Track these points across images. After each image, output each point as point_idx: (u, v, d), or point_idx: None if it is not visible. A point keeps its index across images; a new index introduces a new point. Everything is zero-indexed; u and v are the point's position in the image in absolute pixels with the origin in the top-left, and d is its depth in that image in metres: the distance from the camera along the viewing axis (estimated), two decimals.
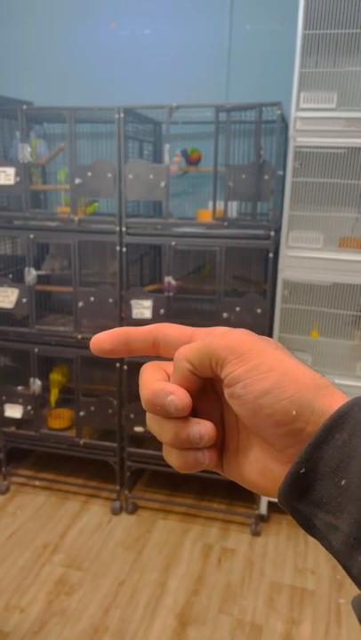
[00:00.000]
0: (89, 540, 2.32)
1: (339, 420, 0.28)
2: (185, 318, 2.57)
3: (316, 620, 1.93)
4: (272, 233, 2.10)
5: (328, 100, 1.99)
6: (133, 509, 2.53)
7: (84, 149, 2.49)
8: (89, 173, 2.20)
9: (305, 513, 0.30)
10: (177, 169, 2.30)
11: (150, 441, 2.55)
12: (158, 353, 0.37)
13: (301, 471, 0.29)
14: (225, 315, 2.21)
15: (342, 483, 0.28)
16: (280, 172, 2.13)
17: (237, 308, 2.19)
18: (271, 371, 0.30)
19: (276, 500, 0.31)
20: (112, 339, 0.36)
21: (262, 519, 2.44)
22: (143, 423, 2.40)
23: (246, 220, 2.20)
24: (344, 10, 1.97)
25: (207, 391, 0.35)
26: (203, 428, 0.32)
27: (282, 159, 2.14)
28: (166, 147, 2.14)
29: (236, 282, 2.46)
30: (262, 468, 0.33)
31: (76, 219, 2.28)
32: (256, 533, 2.38)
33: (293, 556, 2.26)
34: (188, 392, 0.33)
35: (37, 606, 1.96)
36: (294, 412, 0.29)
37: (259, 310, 2.17)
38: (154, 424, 0.34)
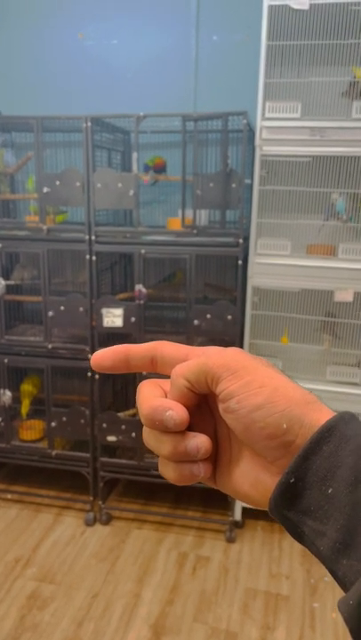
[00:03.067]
0: (62, 553, 2.29)
1: (326, 433, 0.30)
2: (156, 326, 2.57)
3: (290, 624, 1.94)
4: (241, 240, 2.13)
5: (293, 110, 2.03)
6: (107, 520, 2.50)
7: (55, 158, 2.48)
8: (57, 182, 2.20)
9: (294, 521, 0.31)
10: (149, 178, 2.31)
11: (123, 450, 2.53)
12: (156, 370, 0.38)
13: (291, 481, 0.31)
14: (196, 322, 2.21)
15: (329, 491, 0.30)
16: (247, 181, 2.16)
17: (208, 315, 2.20)
18: (263, 387, 0.32)
19: (266, 509, 0.33)
20: (112, 356, 0.38)
21: (237, 525, 2.44)
22: (116, 432, 2.38)
23: (215, 227, 2.22)
24: (307, 22, 2.02)
25: (201, 406, 0.37)
26: (199, 441, 0.34)
27: (249, 168, 2.17)
28: (134, 155, 2.15)
29: (207, 289, 2.48)
30: (254, 480, 0.35)
31: (44, 228, 2.26)
32: (231, 540, 2.38)
33: (268, 561, 2.27)
34: (185, 407, 0.34)
35: (9, 622, 1.92)
36: (285, 426, 0.31)
37: (229, 317, 2.19)
38: (151, 439, 0.36)
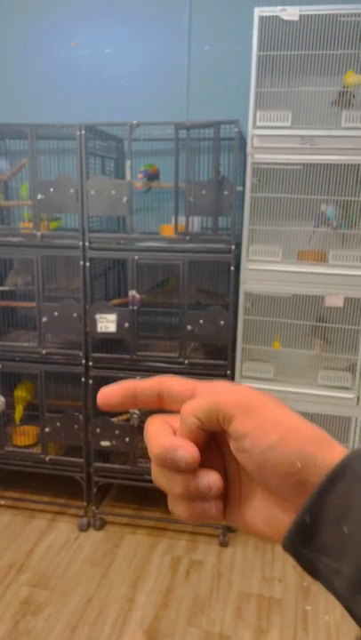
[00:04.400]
0: (56, 558, 2.29)
1: (340, 472, 0.31)
2: (150, 331, 2.59)
3: (283, 627, 1.95)
4: (233, 247, 2.15)
5: (283, 119, 2.06)
6: (101, 525, 2.51)
7: (49, 165, 2.50)
8: (51, 189, 2.22)
9: (309, 558, 0.31)
10: (142, 185, 2.34)
11: (117, 455, 2.54)
12: (162, 406, 0.38)
13: (306, 519, 0.31)
14: (189, 327, 2.24)
15: (345, 530, 0.30)
16: (239, 188, 2.19)
17: (201, 321, 2.23)
18: (276, 426, 0.32)
19: (279, 544, 0.33)
20: (120, 393, 0.37)
21: (230, 529, 2.45)
22: (109, 437, 2.39)
23: (208, 234, 2.24)
24: (297, 33, 2.05)
25: (210, 443, 0.37)
26: (211, 479, 0.34)
27: (241, 175, 2.20)
28: (128, 163, 2.18)
29: (200, 295, 2.50)
30: (267, 517, 0.34)
31: (38, 234, 2.28)
32: (224, 544, 2.39)
33: (261, 565, 2.28)
34: (196, 445, 0.34)
35: (3, 628, 1.92)
36: (299, 465, 0.31)
37: (222, 322, 2.21)
38: (162, 477, 0.35)
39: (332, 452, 0.32)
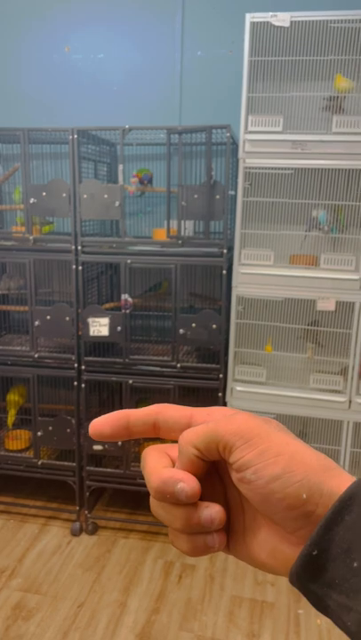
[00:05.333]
0: (48, 563, 2.28)
1: (348, 502, 0.29)
2: (142, 335, 2.59)
3: (275, 631, 1.95)
4: (225, 251, 2.16)
5: (275, 124, 2.07)
6: (94, 530, 2.50)
7: (42, 170, 2.51)
8: (44, 193, 2.22)
9: (318, 594, 0.30)
10: (134, 189, 2.35)
11: (109, 459, 2.54)
12: (158, 435, 0.37)
13: (314, 553, 0.30)
14: (181, 331, 2.24)
15: (354, 564, 0.28)
16: (231, 192, 2.20)
17: (193, 324, 2.23)
18: (280, 455, 0.31)
19: (286, 578, 0.32)
20: (112, 423, 0.36)
21: None
22: (102, 441, 2.39)
23: (200, 238, 2.25)
24: (288, 38, 2.07)
25: (210, 472, 0.35)
26: (213, 511, 0.33)
27: (233, 179, 2.21)
28: (120, 167, 2.18)
29: (193, 298, 2.51)
30: (272, 549, 0.33)
31: (31, 238, 2.28)
32: None
33: (253, 569, 2.28)
34: (195, 476, 0.33)
35: None
36: (305, 496, 0.30)
37: (214, 326, 2.22)
38: (161, 511, 0.34)
39: (339, 481, 0.31)
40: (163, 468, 0.34)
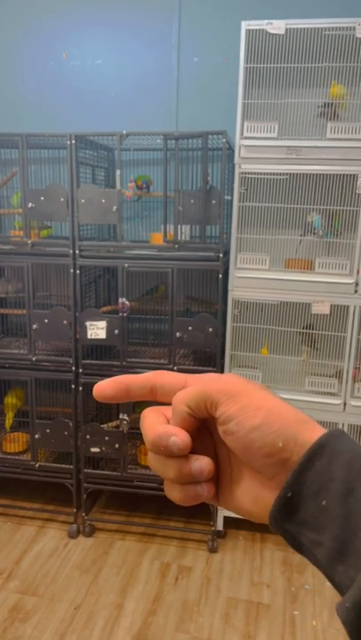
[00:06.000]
0: (45, 565, 2.29)
1: (318, 450, 0.33)
2: (139, 338, 2.61)
3: (271, 632, 1.97)
4: (221, 255, 2.19)
5: (270, 130, 2.10)
6: (91, 532, 2.51)
7: (40, 174, 2.53)
8: (42, 198, 2.24)
9: (293, 532, 0.33)
10: (132, 194, 2.37)
11: (107, 461, 2.55)
12: (155, 398, 0.40)
13: (288, 495, 0.33)
14: (178, 334, 2.26)
15: (323, 503, 0.32)
16: (227, 197, 2.22)
17: (190, 328, 2.25)
18: (259, 409, 0.35)
19: (267, 523, 0.35)
20: (114, 386, 0.40)
21: (219, 535, 2.47)
22: (99, 444, 2.40)
23: (196, 242, 2.28)
24: (283, 46, 2.10)
25: (201, 430, 0.39)
26: (203, 463, 0.36)
27: (229, 184, 2.24)
28: (117, 172, 2.21)
29: (189, 302, 2.53)
30: (255, 496, 0.37)
31: (29, 242, 2.30)
32: (213, 550, 2.40)
33: (249, 570, 2.29)
34: (187, 432, 0.37)
35: None
36: (281, 444, 0.34)
37: (210, 329, 2.24)
38: (157, 463, 0.38)
39: (312, 432, 0.34)
40: (158, 425, 0.37)
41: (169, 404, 0.39)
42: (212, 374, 0.38)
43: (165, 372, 0.40)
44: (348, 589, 0.30)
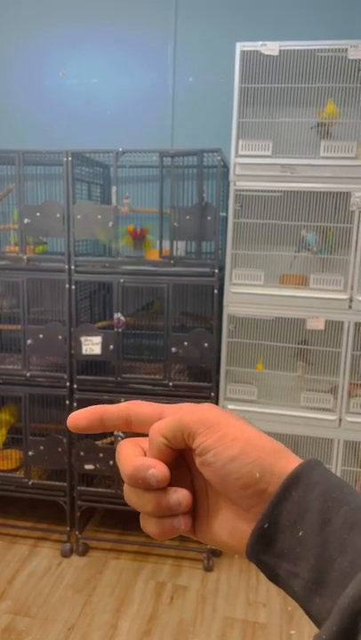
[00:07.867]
0: (38, 585, 2.25)
1: (294, 480, 0.33)
2: (135, 354, 2.61)
3: None
4: (216, 270, 2.20)
5: (264, 148, 2.13)
6: (84, 551, 2.48)
7: (36, 191, 2.54)
8: (38, 214, 2.25)
9: (270, 564, 0.33)
10: (127, 210, 2.39)
11: (101, 479, 2.53)
12: (131, 429, 0.40)
13: (265, 526, 0.33)
14: (173, 349, 2.26)
15: (300, 534, 0.32)
16: (222, 214, 2.25)
17: (185, 343, 2.25)
18: (236, 439, 0.35)
19: (244, 555, 0.35)
20: (87, 416, 0.39)
21: (214, 554, 2.44)
22: (93, 461, 2.38)
23: (192, 258, 2.29)
24: (277, 66, 2.14)
25: (178, 461, 0.39)
26: (180, 495, 0.36)
27: (224, 201, 2.26)
28: (113, 189, 2.23)
29: (185, 317, 2.53)
30: (231, 529, 0.36)
31: (24, 257, 2.31)
32: (208, 568, 2.37)
33: (245, 589, 2.27)
34: (165, 464, 0.36)
35: None
36: (258, 475, 0.34)
37: (206, 344, 2.24)
38: (134, 496, 0.37)
39: (288, 462, 0.34)
40: (135, 457, 0.37)
41: (146, 434, 0.38)
42: (188, 404, 0.38)
43: (141, 402, 0.40)
44: (325, 621, 0.30)
